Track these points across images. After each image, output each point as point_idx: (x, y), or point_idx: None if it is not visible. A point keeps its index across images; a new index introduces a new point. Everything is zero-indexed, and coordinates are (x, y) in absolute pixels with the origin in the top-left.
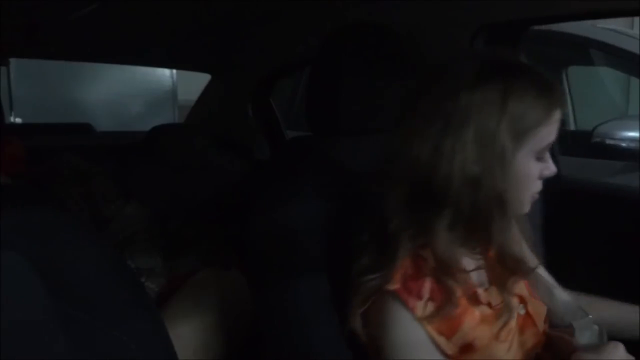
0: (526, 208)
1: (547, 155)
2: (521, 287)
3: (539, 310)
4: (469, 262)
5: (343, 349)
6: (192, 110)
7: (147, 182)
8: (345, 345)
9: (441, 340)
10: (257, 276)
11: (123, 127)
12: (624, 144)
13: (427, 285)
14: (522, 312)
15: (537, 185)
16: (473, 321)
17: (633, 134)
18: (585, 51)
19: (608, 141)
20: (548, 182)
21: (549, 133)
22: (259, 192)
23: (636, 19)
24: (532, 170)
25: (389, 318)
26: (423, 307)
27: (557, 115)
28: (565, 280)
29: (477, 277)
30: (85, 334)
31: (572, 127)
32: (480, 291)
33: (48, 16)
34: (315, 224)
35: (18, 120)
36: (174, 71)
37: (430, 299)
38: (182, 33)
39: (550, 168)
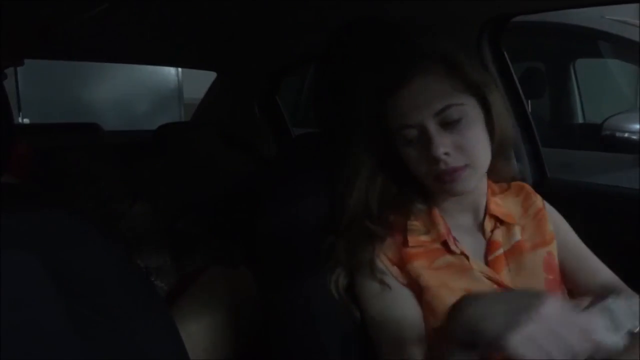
0: (437, 189)
1: (425, 138)
2: (529, 275)
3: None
4: (458, 227)
5: (353, 347)
6: (198, 108)
7: (155, 181)
8: (356, 343)
9: (394, 270)
10: (267, 275)
11: (130, 126)
12: (634, 137)
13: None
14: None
15: (429, 167)
16: (431, 262)
17: None
18: (594, 43)
19: (618, 134)
20: (537, 186)
21: (388, 119)
22: (267, 190)
23: None
24: (402, 152)
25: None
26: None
27: (387, 104)
28: None
29: (471, 246)
30: (97, 333)
31: (580, 120)
32: (457, 242)
33: (59, 16)
34: (324, 222)
35: (26, 120)
36: (180, 70)
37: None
38: (188, 31)
39: (429, 153)
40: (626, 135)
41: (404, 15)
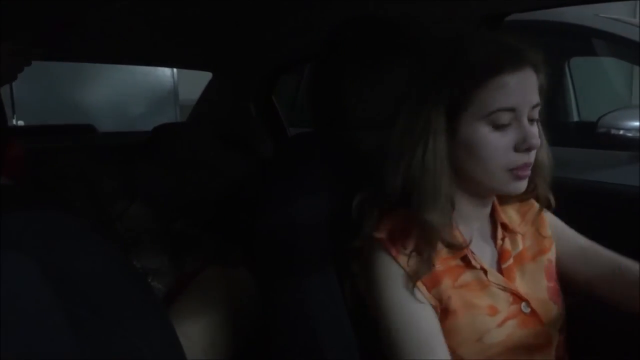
0: (503, 184)
1: (519, 126)
2: (532, 284)
3: (552, 316)
4: (468, 231)
5: (352, 347)
6: (194, 109)
7: (151, 182)
8: (355, 345)
9: (423, 289)
10: (265, 275)
11: (125, 128)
12: (629, 134)
13: (413, 240)
14: (527, 310)
15: (510, 158)
16: (454, 280)
17: (638, 123)
18: (588, 41)
19: (613, 131)
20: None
21: (490, 99)
22: (264, 190)
23: (638, 7)
24: (486, 139)
25: (374, 265)
26: (407, 258)
27: (499, 82)
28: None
29: (488, 257)
30: (93, 334)
31: (576, 118)
32: (474, 255)
33: (86, 9)
34: (322, 221)
35: (20, 123)
36: (175, 70)
37: (415, 251)
38: (183, 32)
39: (527, 141)
40: (621, 132)
41: (399, 14)
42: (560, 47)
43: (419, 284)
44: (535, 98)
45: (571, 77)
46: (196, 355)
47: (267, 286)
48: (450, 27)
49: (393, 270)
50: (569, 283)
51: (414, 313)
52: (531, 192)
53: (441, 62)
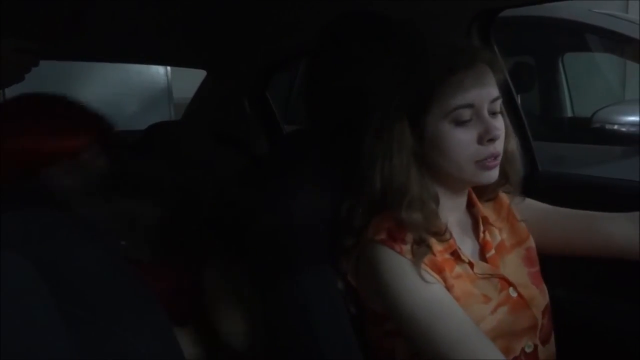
0: (473, 175)
1: (480, 120)
2: (514, 272)
3: (536, 300)
4: (454, 228)
5: (351, 345)
6: (188, 107)
7: (145, 180)
8: (355, 343)
9: (431, 272)
10: (262, 273)
11: (118, 126)
12: (623, 129)
13: (410, 235)
14: (514, 295)
15: (475, 151)
16: (451, 272)
17: (632, 118)
18: (582, 37)
19: (607, 126)
20: (528, 179)
21: (449, 98)
22: (259, 188)
23: (630, 3)
24: (449, 135)
25: (380, 266)
26: (410, 249)
27: (454, 81)
28: (562, 279)
29: (470, 250)
30: (90, 333)
31: (569, 113)
32: (461, 250)
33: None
34: (318, 219)
35: None
36: (169, 68)
37: (415, 243)
38: (176, 29)
39: (489, 133)
40: (615, 127)
41: (393, 11)
42: (554, 43)
43: (427, 268)
44: (494, 92)
45: (565, 72)
46: (191, 355)
47: (264, 284)
48: (443, 24)
49: (402, 264)
50: (550, 249)
51: (430, 295)
52: (503, 183)
53: (400, 70)
